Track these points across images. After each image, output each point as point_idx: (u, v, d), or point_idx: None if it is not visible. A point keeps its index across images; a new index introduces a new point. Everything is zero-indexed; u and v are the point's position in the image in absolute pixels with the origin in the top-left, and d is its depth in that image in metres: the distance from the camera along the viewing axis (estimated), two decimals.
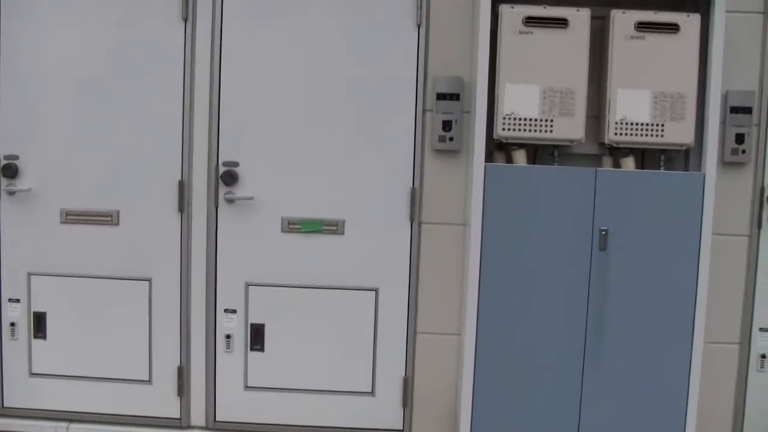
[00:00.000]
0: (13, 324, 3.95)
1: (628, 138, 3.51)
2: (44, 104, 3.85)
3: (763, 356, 3.81)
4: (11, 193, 3.88)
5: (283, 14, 3.72)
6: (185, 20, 3.78)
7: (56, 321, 3.94)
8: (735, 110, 3.69)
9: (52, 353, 3.95)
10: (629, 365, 3.55)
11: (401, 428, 3.94)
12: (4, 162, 3.87)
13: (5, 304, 3.94)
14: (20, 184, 3.89)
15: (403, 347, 3.87)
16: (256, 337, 3.88)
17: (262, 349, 3.88)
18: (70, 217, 3.89)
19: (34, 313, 3.94)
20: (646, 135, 3.51)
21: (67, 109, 3.85)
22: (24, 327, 3.94)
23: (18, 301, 3.94)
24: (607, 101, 3.51)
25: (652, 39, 3.48)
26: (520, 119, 3.49)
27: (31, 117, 3.86)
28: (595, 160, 3.67)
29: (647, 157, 3.67)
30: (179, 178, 3.82)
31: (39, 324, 3.95)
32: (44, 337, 3.95)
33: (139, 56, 3.82)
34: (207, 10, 3.78)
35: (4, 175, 3.87)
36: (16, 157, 3.87)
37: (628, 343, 3.53)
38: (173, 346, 3.91)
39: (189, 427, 3.97)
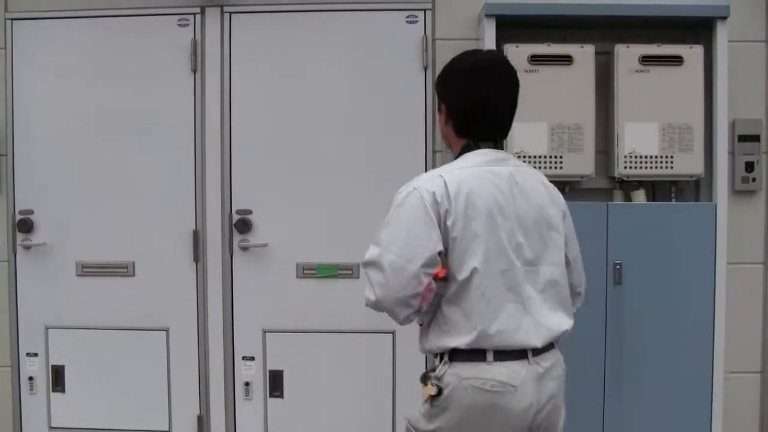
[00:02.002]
0: (31, 378, 3.96)
1: (638, 171, 3.53)
2: (58, 158, 3.91)
3: None
4: (27, 248, 3.92)
5: (291, 62, 3.77)
6: (194, 71, 3.84)
7: (75, 374, 3.95)
8: (743, 138, 3.70)
9: (72, 406, 3.96)
10: (649, 398, 3.53)
11: None
12: (19, 217, 3.91)
13: (23, 358, 3.96)
14: (35, 238, 3.93)
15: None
16: (275, 383, 3.88)
17: (281, 396, 3.87)
18: (86, 269, 3.92)
19: (52, 366, 3.96)
20: (656, 167, 3.53)
21: (80, 162, 3.90)
22: (42, 381, 3.96)
23: (36, 354, 3.96)
24: (615, 135, 3.54)
25: (657, 72, 3.52)
26: (529, 157, 3.51)
27: (45, 172, 3.91)
28: (606, 194, 3.68)
29: (658, 189, 3.67)
30: (193, 227, 3.86)
31: (57, 377, 3.96)
32: (63, 390, 3.96)
33: (150, 108, 3.88)
34: (215, 62, 3.84)
35: (19, 230, 3.92)
36: (31, 212, 3.92)
37: (648, 377, 3.52)
38: (192, 394, 3.91)
39: None
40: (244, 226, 3.83)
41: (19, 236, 3.92)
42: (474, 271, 2.21)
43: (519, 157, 3.48)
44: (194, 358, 3.90)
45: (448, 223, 2.22)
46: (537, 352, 2.26)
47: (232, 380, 3.90)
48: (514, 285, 2.25)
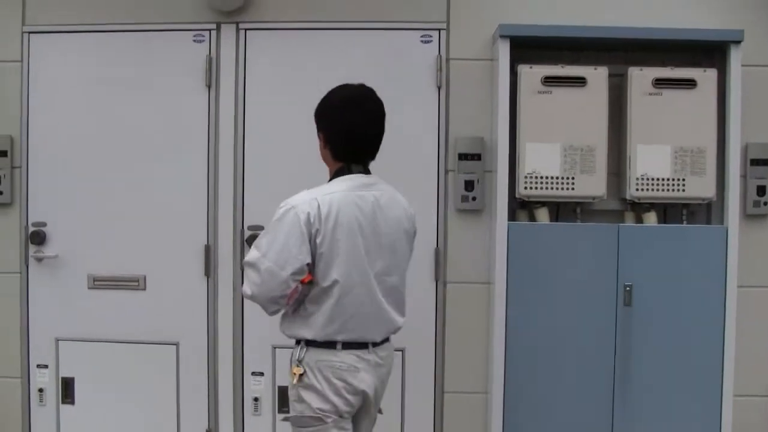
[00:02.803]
0: (41, 390, 3.97)
1: (650, 193, 3.54)
2: (71, 172, 3.93)
3: None
4: (39, 260, 3.94)
5: (305, 80, 3.78)
6: (209, 87, 3.86)
7: (84, 386, 3.96)
8: (755, 162, 3.71)
9: (81, 418, 3.96)
10: (658, 420, 3.53)
11: None
12: (32, 229, 3.93)
13: (33, 370, 3.97)
14: (48, 250, 3.94)
15: (431, 406, 3.85)
16: (284, 399, 3.87)
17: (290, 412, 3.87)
18: (98, 282, 3.93)
19: (62, 378, 3.96)
20: (668, 190, 3.54)
21: (94, 176, 3.92)
22: (52, 393, 3.97)
23: (46, 366, 3.96)
24: (628, 157, 3.55)
25: (670, 95, 3.53)
26: (541, 178, 3.52)
27: (59, 184, 3.93)
28: (618, 215, 3.69)
29: (669, 211, 3.68)
30: (205, 242, 3.87)
31: (67, 389, 3.96)
32: (72, 402, 3.97)
33: (164, 122, 3.90)
34: (230, 78, 3.86)
35: (32, 242, 3.93)
36: (44, 224, 3.93)
37: (657, 399, 3.52)
38: (201, 409, 3.91)
39: None
40: None
41: (32, 248, 3.94)
42: (335, 281, 2.68)
43: (531, 177, 3.52)
44: (204, 372, 3.90)
45: (318, 240, 2.66)
46: (376, 344, 2.77)
47: (241, 395, 3.90)
48: (367, 292, 2.72)
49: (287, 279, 2.64)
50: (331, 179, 2.81)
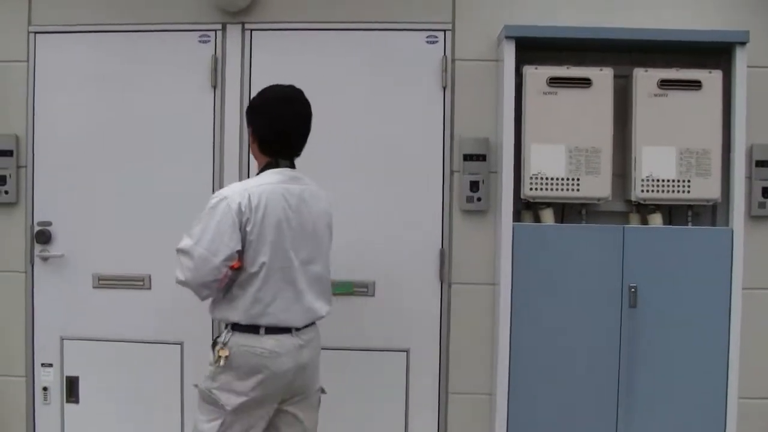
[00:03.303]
0: (45, 388, 3.98)
1: (655, 195, 3.54)
2: (76, 171, 3.94)
3: None
4: (44, 259, 3.95)
5: (310, 81, 3.75)
6: (214, 87, 3.88)
7: (89, 385, 3.97)
8: (760, 164, 3.70)
9: (85, 417, 3.97)
10: (663, 422, 3.53)
11: None
12: (37, 228, 3.95)
13: (38, 368, 3.98)
14: (53, 249, 3.95)
15: (436, 407, 3.86)
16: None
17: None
18: (103, 282, 3.94)
19: (66, 377, 3.97)
20: (673, 191, 3.53)
21: (99, 175, 3.93)
22: (57, 391, 3.98)
23: (51, 365, 3.98)
24: (633, 159, 3.55)
25: (675, 96, 3.53)
26: (546, 179, 3.52)
27: (64, 184, 3.94)
28: (623, 217, 3.69)
29: (674, 213, 3.68)
30: None
31: (72, 388, 3.97)
32: (77, 401, 3.97)
33: (169, 122, 3.91)
34: (235, 78, 3.87)
35: (37, 241, 3.95)
36: (50, 224, 3.95)
37: (661, 400, 3.52)
38: None
39: None
40: None
41: (37, 247, 3.95)
42: (262, 265, 2.87)
43: (537, 178, 3.52)
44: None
45: (248, 229, 2.86)
46: (299, 328, 2.94)
47: None
48: (290, 279, 2.91)
49: (219, 265, 2.83)
50: (259, 172, 3.03)
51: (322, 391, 3.12)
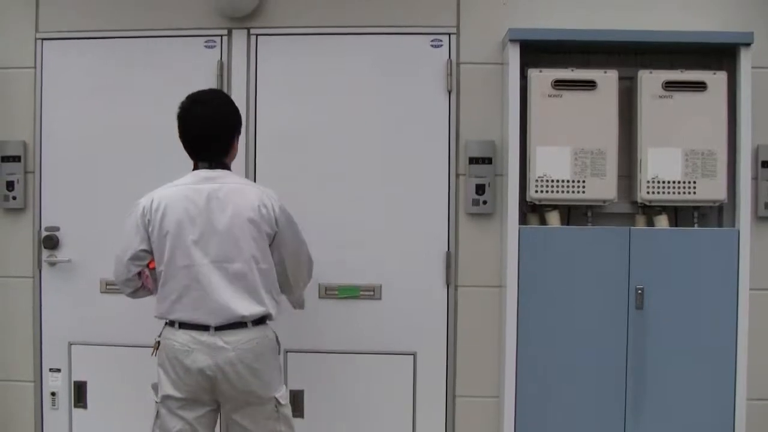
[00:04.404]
0: (53, 393, 3.99)
1: (661, 196, 3.54)
2: (84, 177, 3.95)
3: None
4: (52, 264, 3.96)
5: (315, 85, 3.81)
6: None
7: (97, 390, 3.98)
8: (767, 164, 3.70)
9: (94, 422, 3.98)
10: (670, 424, 3.52)
11: None
12: (45, 233, 3.96)
13: (46, 373, 3.99)
14: (61, 255, 3.97)
15: (443, 411, 3.85)
16: (296, 403, 3.86)
17: (302, 416, 3.87)
18: (110, 287, 3.91)
19: (74, 382, 3.98)
20: (679, 192, 3.53)
21: (106, 180, 3.94)
22: (65, 396, 3.98)
23: (59, 370, 3.99)
24: (638, 160, 3.55)
25: (680, 97, 3.53)
26: (552, 181, 3.53)
27: (72, 189, 3.96)
28: (629, 218, 3.69)
29: (680, 214, 3.68)
30: None
31: (80, 393, 3.98)
32: (85, 406, 3.98)
33: (175, 128, 3.83)
34: (241, 83, 3.88)
35: (45, 247, 3.96)
36: (57, 229, 3.96)
37: (669, 402, 3.51)
38: None
39: None
40: None
41: (45, 252, 3.97)
42: (165, 265, 3.00)
43: (542, 181, 3.53)
44: None
45: (150, 229, 3.03)
46: (221, 328, 2.96)
47: None
48: (198, 277, 2.97)
49: (127, 264, 3.07)
50: None
51: (278, 402, 3.06)
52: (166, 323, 3.06)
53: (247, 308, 2.99)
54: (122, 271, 3.09)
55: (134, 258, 3.06)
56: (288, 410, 3.10)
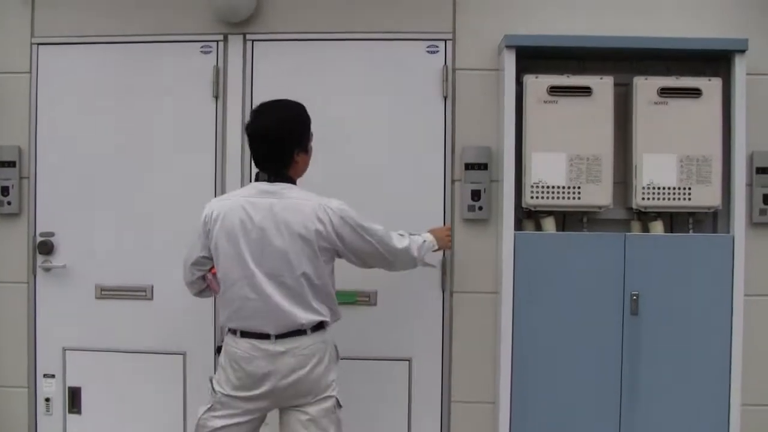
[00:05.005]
0: (48, 399, 3.98)
1: (656, 202, 3.55)
2: (79, 182, 3.95)
3: None
4: (47, 270, 3.96)
5: (311, 90, 3.77)
6: (216, 98, 3.89)
7: (91, 396, 3.97)
8: (761, 171, 3.70)
9: (88, 428, 3.97)
10: (666, 430, 3.52)
11: None
12: (40, 239, 3.95)
13: (40, 379, 3.98)
14: (55, 260, 3.96)
15: (438, 416, 3.85)
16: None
17: None
18: (105, 292, 3.94)
19: (69, 388, 3.98)
20: (674, 199, 3.54)
21: (101, 186, 3.94)
22: (59, 402, 3.98)
23: (53, 376, 3.98)
24: (634, 166, 3.56)
25: (676, 104, 3.54)
26: (547, 187, 3.53)
27: (67, 194, 3.95)
28: (624, 224, 3.69)
29: (675, 220, 3.68)
30: None
31: (74, 399, 3.97)
32: (79, 412, 3.98)
33: (171, 133, 3.93)
34: (237, 89, 3.88)
35: (40, 252, 3.95)
36: (52, 234, 3.96)
37: (664, 408, 3.52)
38: None
39: None
40: None
41: (40, 258, 3.96)
42: (223, 274, 3.09)
43: (538, 187, 3.53)
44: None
45: (210, 237, 3.10)
46: (280, 336, 3.02)
47: None
48: (254, 288, 3.02)
49: (190, 268, 3.21)
50: None
51: (337, 402, 3.15)
52: (228, 330, 3.12)
53: (304, 316, 3.04)
54: (186, 274, 3.23)
55: (196, 263, 3.18)
56: (341, 415, 3.18)
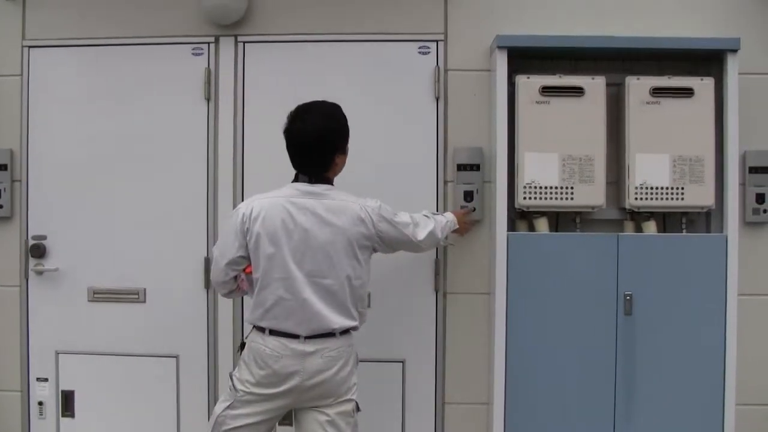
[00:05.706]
0: (41, 403, 3.98)
1: (649, 202, 3.54)
2: (71, 185, 3.94)
3: None
4: (39, 273, 3.95)
5: (303, 92, 3.73)
6: (208, 100, 3.88)
7: (84, 399, 3.96)
8: (754, 170, 3.71)
9: (81, 431, 3.96)
10: (660, 430, 3.52)
11: None
12: (32, 242, 3.94)
13: (33, 383, 3.97)
14: (48, 263, 3.95)
15: (432, 418, 3.85)
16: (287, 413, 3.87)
17: (290, 424, 3.85)
18: (98, 295, 3.93)
19: (62, 391, 3.97)
20: (667, 198, 3.54)
21: (94, 189, 3.93)
22: (52, 406, 3.97)
23: (46, 380, 3.97)
24: (626, 166, 3.55)
25: (668, 104, 3.53)
26: (540, 188, 3.52)
27: (59, 198, 3.94)
28: (617, 225, 3.69)
29: (669, 220, 3.68)
30: (205, 254, 3.86)
31: (67, 402, 3.97)
32: (72, 415, 3.97)
33: (163, 135, 3.92)
34: (229, 90, 3.88)
35: (32, 255, 3.95)
36: (44, 237, 3.95)
37: (658, 408, 3.51)
38: (201, 422, 3.86)
39: None
40: None
41: (32, 261, 3.95)
42: (261, 274, 3.05)
43: (530, 187, 3.53)
44: (204, 385, 3.90)
45: (248, 237, 3.07)
46: (309, 337, 3.03)
47: None
48: (292, 290, 3.02)
49: (224, 268, 3.14)
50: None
51: (357, 406, 3.15)
52: (254, 327, 3.12)
53: (337, 321, 3.06)
54: (219, 274, 3.17)
55: (232, 263, 3.12)
56: (356, 419, 3.17)
